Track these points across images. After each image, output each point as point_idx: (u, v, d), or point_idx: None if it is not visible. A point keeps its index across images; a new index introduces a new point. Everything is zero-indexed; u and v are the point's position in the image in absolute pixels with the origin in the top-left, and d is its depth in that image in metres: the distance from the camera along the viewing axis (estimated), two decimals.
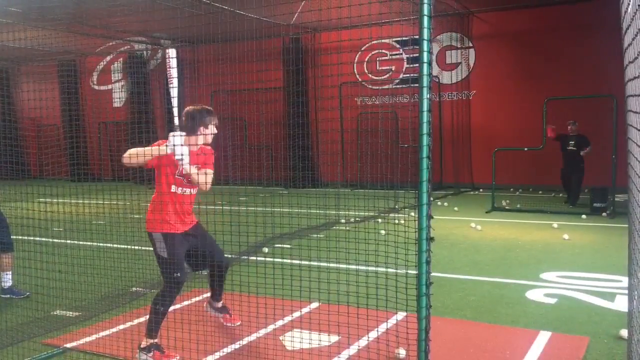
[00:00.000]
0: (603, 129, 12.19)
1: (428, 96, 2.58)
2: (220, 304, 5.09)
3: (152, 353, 4.34)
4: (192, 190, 4.50)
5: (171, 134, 4.22)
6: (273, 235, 7.59)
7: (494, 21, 16.14)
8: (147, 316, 4.46)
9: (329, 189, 14.92)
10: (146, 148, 4.28)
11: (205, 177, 4.35)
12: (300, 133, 16.87)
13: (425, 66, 2.59)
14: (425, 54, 2.58)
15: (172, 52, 4.37)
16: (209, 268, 4.82)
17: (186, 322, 4.57)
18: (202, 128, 4.46)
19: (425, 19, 2.57)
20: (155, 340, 4.38)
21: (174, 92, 4.33)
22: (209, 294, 5.13)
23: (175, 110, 4.36)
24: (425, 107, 2.60)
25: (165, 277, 4.41)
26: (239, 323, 5.05)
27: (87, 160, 20.55)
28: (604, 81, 13.20)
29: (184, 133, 4.32)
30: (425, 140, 2.59)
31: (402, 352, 4.21)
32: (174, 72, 4.35)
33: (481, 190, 15.50)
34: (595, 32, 14.13)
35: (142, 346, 4.37)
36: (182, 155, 4.18)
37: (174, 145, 4.17)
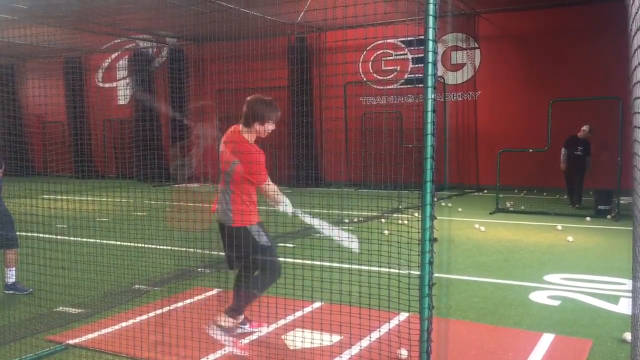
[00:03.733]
0: (608, 131, 12.14)
1: (433, 96, 2.57)
2: (241, 317, 4.90)
3: (247, 325, 4.69)
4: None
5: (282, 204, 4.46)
6: (276, 234, 7.58)
7: (500, 22, 16.10)
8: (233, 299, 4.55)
9: (332, 189, 14.91)
10: (283, 199, 4.45)
11: (267, 186, 4.45)
12: (305, 132, 16.87)
13: (430, 66, 2.58)
14: (430, 54, 2.57)
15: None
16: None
17: (189, 320, 4.57)
18: (257, 124, 4.38)
19: (431, 19, 2.56)
20: (244, 316, 4.67)
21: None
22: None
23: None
24: (429, 107, 2.59)
25: (268, 263, 4.44)
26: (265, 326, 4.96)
27: (91, 158, 20.59)
28: (610, 83, 13.12)
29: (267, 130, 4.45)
30: (429, 140, 2.58)
31: (404, 352, 4.20)
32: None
33: (485, 191, 15.46)
34: (601, 34, 14.07)
35: (229, 323, 4.44)
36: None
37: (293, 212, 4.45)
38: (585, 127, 12.37)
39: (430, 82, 2.59)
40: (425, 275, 2.68)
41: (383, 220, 9.71)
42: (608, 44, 13.52)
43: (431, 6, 2.55)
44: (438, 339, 4.47)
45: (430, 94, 2.59)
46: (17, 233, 6.12)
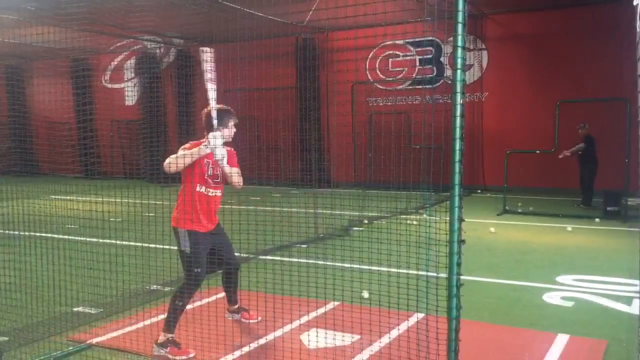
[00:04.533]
0: (616, 132, 12.18)
1: (461, 101, 2.63)
2: (236, 307, 5.18)
3: (168, 348, 4.42)
4: (218, 191, 4.61)
5: (211, 134, 4.31)
6: (298, 234, 7.65)
7: (507, 23, 16.13)
8: (166, 312, 4.54)
9: (341, 190, 14.96)
10: (185, 152, 4.36)
11: (238, 177, 4.51)
12: (312, 133, 16.92)
13: (459, 72, 2.64)
14: (459, 60, 2.62)
15: (205, 52, 4.40)
16: (223, 268, 4.92)
17: (206, 321, 4.62)
18: (221, 128, 4.51)
19: (460, 26, 2.61)
20: (172, 335, 4.47)
21: (213, 93, 4.39)
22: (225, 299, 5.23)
23: (214, 111, 4.41)
24: (458, 112, 2.64)
25: (186, 272, 4.52)
26: (258, 319, 5.11)
27: (98, 158, 20.65)
28: (617, 84, 13.13)
29: (221, 134, 4.40)
30: (458, 144, 2.64)
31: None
32: (209, 73, 4.39)
33: (489, 193, 15.47)
34: (609, 35, 14.09)
35: (159, 341, 4.45)
36: (222, 156, 4.32)
37: (215, 146, 4.28)
38: (579, 127, 12.45)
39: (459, 88, 2.64)
40: (453, 276, 2.74)
41: (402, 220, 9.77)
42: (615, 45, 13.55)
43: (460, 14, 2.60)
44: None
45: (459, 99, 2.65)
46: (28, 233, 6.15)
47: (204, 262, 4.58)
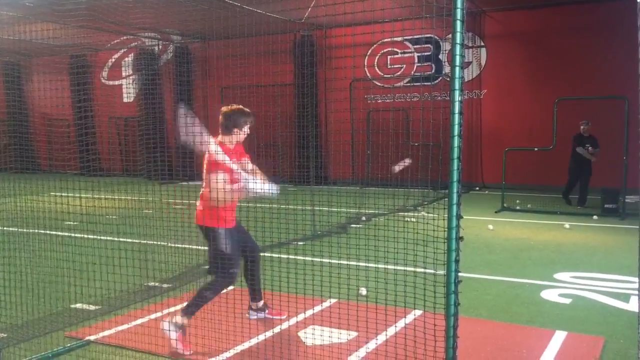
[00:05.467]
0: (614, 130, 12.19)
1: (460, 98, 2.63)
2: (261, 303, 5.19)
3: (178, 332, 4.47)
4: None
5: (244, 175, 4.48)
6: (295, 232, 7.65)
7: (506, 20, 16.11)
8: (182, 304, 4.59)
9: (339, 187, 14.96)
10: (233, 188, 4.47)
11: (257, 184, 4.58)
12: (310, 130, 16.90)
13: (457, 69, 2.64)
14: (457, 58, 2.63)
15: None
16: (247, 262, 4.95)
17: (205, 318, 4.63)
18: (236, 130, 4.65)
19: (458, 23, 2.61)
20: (187, 322, 4.52)
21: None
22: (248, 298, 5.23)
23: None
24: (457, 109, 2.65)
25: (221, 270, 4.54)
26: (285, 316, 5.11)
27: (97, 155, 20.63)
28: (616, 82, 13.17)
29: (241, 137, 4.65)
30: (456, 141, 2.64)
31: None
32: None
33: (487, 191, 15.48)
34: (608, 32, 14.10)
35: (174, 320, 4.48)
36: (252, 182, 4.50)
37: (247, 181, 4.47)
38: (582, 123, 12.43)
39: (457, 85, 2.64)
40: (452, 273, 2.74)
41: (397, 217, 9.77)
42: (614, 43, 13.55)
43: (459, 11, 2.60)
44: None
45: (457, 97, 2.65)
46: (27, 230, 6.16)
47: (239, 260, 4.72)
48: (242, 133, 4.70)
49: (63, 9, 11.39)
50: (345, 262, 4.87)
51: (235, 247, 4.61)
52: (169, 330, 4.43)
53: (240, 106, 4.73)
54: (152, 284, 6.22)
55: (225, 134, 4.68)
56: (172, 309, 5.05)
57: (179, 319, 4.49)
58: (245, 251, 4.84)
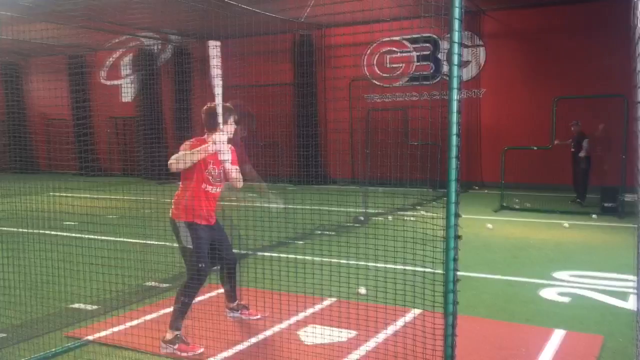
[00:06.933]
0: (613, 128, 12.20)
1: (458, 97, 2.63)
2: (235, 304, 5.17)
3: (176, 345, 4.41)
4: (217, 188, 4.62)
5: (217, 135, 4.32)
6: (295, 231, 7.65)
7: (505, 20, 16.12)
8: (172, 308, 4.53)
9: (337, 186, 14.95)
10: (193, 150, 4.38)
11: (238, 174, 4.57)
12: (309, 129, 16.90)
13: (455, 68, 2.64)
14: (456, 57, 2.63)
15: (212, 47, 4.32)
16: (221, 264, 4.92)
17: (203, 317, 4.63)
18: (221, 126, 4.50)
19: (456, 22, 2.62)
20: (179, 332, 4.46)
21: (218, 89, 4.35)
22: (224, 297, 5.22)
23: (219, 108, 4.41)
24: (454, 108, 2.65)
25: (189, 268, 4.50)
26: (258, 316, 5.12)
27: (95, 155, 20.62)
28: (615, 81, 13.14)
29: (226, 132, 4.44)
30: (454, 140, 2.64)
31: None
32: (217, 68, 4.32)
33: (486, 190, 15.50)
34: (606, 31, 14.09)
35: (166, 338, 4.44)
36: (228, 156, 4.41)
37: (222, 146, 4.33)
38: (573, 124, 12.50)
39: (455, 84, 2.65)
40: (450, 272, 2.75)
41: (391, 217, 9.77)
42: (612, 42, 13.53)
43: (457, 10, 2.60)
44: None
45: (455, 95, 2.65)
46: (26, 230, 6.15)
47: (207, 256, 4.57)
48: (228, 129, 4.59)
49: (61, 9, 11.40)
50: (344, 262, 4.88)
51: (204, 243, 4.51)
52: (170, 349, 4.40)
53: (221, 103, 4.59)
54: (150, 284, 6.22)
55: (210, 131, 4.57)
56: (168, 310, 5.05)
57: (169, 336, 4.45)
58: (222, 259, 4.78)
